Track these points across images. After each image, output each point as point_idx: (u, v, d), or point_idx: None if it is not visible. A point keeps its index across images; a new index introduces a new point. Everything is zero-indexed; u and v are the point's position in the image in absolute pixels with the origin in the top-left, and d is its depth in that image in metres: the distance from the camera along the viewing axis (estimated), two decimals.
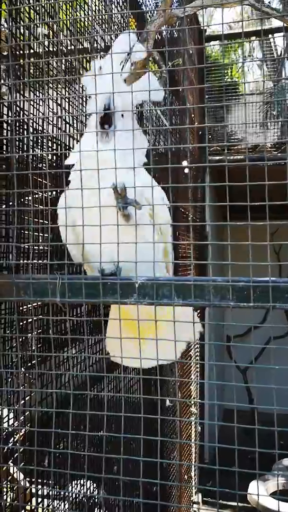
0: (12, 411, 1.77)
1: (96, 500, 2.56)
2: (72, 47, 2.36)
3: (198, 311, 5.01)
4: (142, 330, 1.37)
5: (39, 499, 1.95)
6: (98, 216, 1.36)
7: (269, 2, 7.36)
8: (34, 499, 1.94)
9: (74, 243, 1.65)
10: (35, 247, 1.90)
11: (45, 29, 2.15)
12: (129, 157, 1.37)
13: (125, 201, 1.48)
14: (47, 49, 2.12)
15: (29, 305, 1.88)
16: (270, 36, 7.79)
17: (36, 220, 1.90)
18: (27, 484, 1.95)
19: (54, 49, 2.23)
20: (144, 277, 1.39)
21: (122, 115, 1.66)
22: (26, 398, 1.79)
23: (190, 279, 1.35)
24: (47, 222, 1.88)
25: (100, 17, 2.68)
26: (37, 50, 2.11)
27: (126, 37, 1.62)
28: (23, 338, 1.84)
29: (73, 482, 2.31)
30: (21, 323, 1.84)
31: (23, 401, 1.76)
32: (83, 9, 2.51)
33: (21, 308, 1.85)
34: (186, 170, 4.48)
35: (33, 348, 1.81)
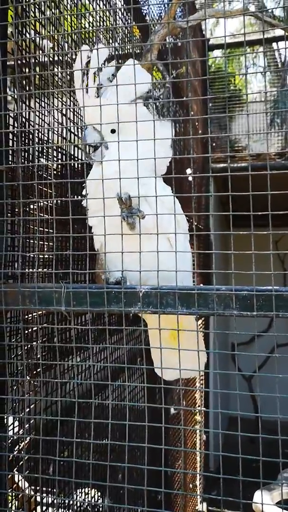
0: (17, 419, 1.77)
1: (100, 508, 2.56)
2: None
3: (203, 318, 5.00)
4: (169, 341, 1.41)
5: (44, 508, 1.95)
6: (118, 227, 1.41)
7: (272, 11, 7.39)
8: (38, 508, 1.94)
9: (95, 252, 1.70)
10: (39, 256, 1.92)
11: (50, 42, 2.18)
12: (142, 163, 1.40)
13: (130, 211, 1.50)
14: (52, 59, 2.14)
15: (34, 314, 1.89)
16: (274, 44, 7.82)
17: (41, 229, 1.92)
18: (31, 493, 1.95)
19: (59, 59, 2.25)
20: (148, 286, 1.40)
21: (114, 131, 1.60)
22: (31, 406, 1.79)
23: (194, 288, 1.36)
24: (52, 231, 1.90)
25: (104, 27, 2.71)
26: (43, 60, 2.14)
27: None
28: (28, 346, 1.85)
29: (77, 491, 2.30)
30: (26, 331, 1.85)
31: (28, 409, 1.77)
32: (87, 20, 2.54)
33: (26, 316, 1.86)
34: (190, 178, 4.50)
35: (38, 356, 1.81)
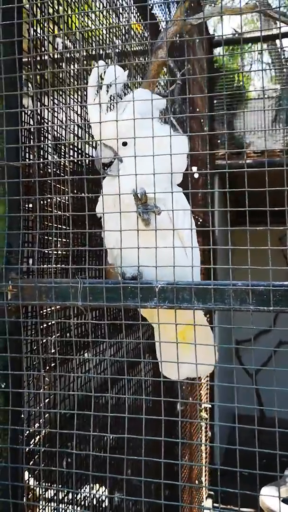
0: (33, 412, 1.79)
1: (107, 503, 2.58)
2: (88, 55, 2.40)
3: (207, 315, 5.00)
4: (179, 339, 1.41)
5: (54, 503, 1.97)
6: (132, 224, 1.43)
7: (279, 8, 7.37)
8: (45, 502, 1.96)
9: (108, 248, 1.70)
10: (54, 252, 1.93)
11: (62, 39, 2.19)
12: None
13: (145, 207, 1.51)
14: (65, 57, 2.16)
15: (47, 309, 1.90)
16: (277, 41, 7.81)
17: (56, 225, 1.93)
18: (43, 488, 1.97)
19: (72, 56, 2.27)
20: (164, 281, 1.41)
21: (125, 143, 1.57)
22: (46, 401, 1.81)
23: (210, 283, 1.37)
24: (64, 227, 1.92)
25: (114, 26, 2.72)
26: (54, 58, 2.15)
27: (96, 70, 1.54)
28: (43, 341, 1.86)
29: (86, 486, 2.32)
30: (41, 326, 1.87)
31: (42, 404, 1.78)
32: (98, 18, 2.55)
33: (40, 311, 1.88)
34: (196, 175, 4.51)
35: (53, 351, 1.83)
